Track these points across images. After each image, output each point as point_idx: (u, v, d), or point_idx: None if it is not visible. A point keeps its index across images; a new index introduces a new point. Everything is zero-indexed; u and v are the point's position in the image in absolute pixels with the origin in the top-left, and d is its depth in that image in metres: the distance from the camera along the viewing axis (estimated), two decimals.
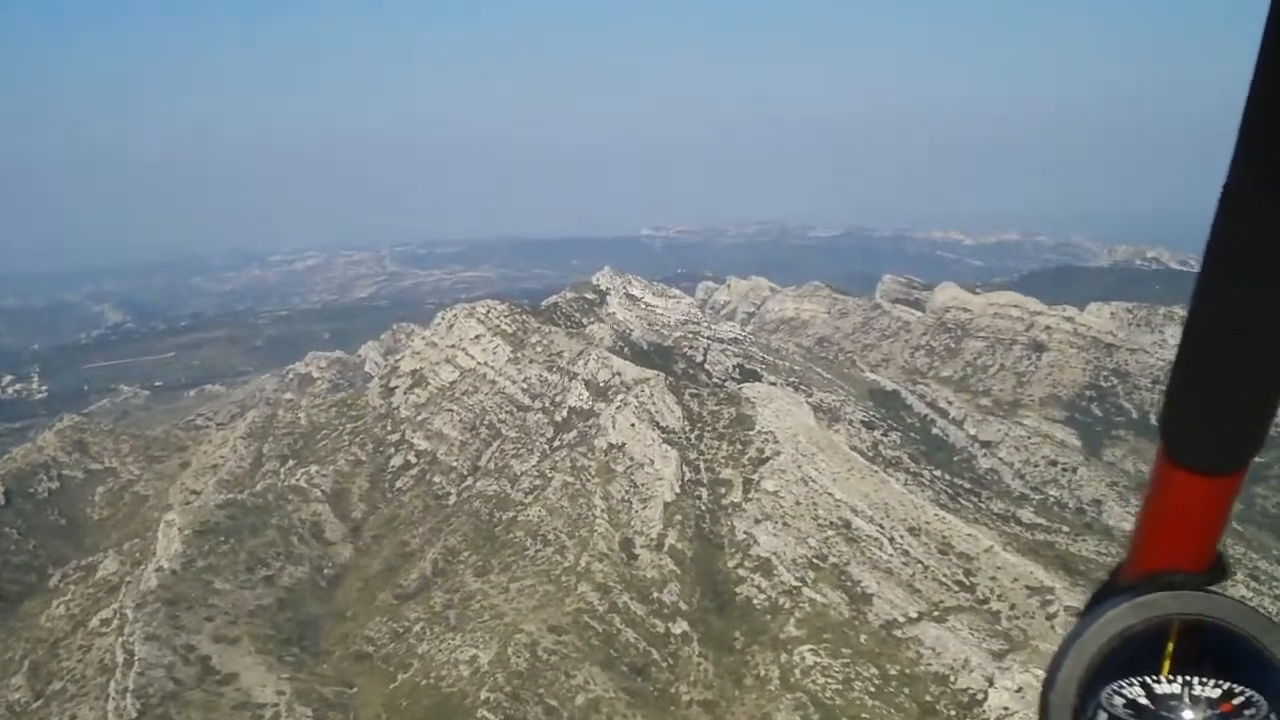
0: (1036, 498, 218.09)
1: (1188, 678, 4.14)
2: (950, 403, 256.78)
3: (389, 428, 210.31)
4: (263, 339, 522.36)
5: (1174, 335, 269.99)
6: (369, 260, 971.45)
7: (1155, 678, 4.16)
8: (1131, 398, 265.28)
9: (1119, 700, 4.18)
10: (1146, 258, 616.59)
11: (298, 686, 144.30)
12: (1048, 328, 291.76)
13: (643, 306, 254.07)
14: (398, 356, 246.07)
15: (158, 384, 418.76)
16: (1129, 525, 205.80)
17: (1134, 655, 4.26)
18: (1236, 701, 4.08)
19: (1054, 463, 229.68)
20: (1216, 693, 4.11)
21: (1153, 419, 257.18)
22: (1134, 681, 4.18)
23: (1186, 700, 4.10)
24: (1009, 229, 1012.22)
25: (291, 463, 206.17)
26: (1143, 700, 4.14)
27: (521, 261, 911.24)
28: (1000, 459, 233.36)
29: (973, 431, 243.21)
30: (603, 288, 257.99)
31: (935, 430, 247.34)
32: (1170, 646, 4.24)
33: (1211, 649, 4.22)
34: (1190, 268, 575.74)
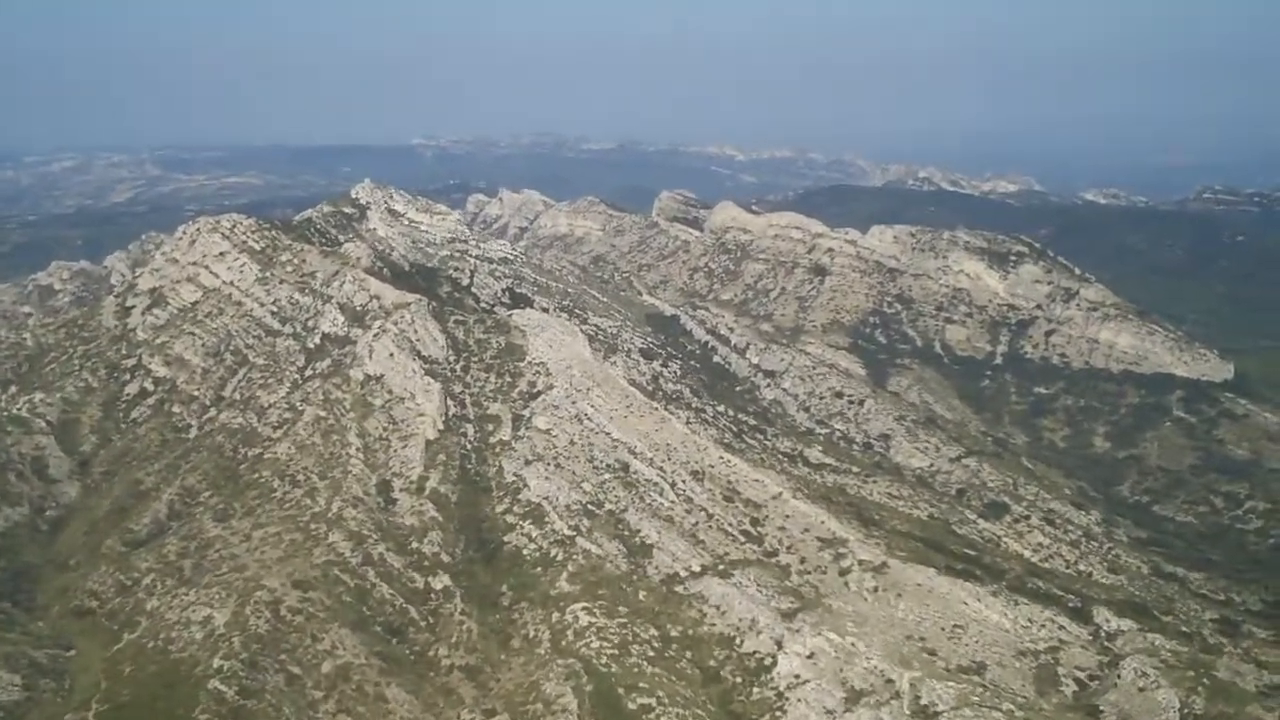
0: (823, 432, 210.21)
1: None
2: (731, 329, 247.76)
3: (124, 351, 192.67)
4: (9, 245, 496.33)
5: (956, 261, 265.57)
6: (129, 163, 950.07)
7: None
8: (915, 325, 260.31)
9: None
10: (919, 177, 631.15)
11: (5, 650, 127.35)
12: (830, 250, 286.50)
13: (406, 223, 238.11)
14: (138, 272, 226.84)
15: None
16: (918, 462, 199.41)
17: None
18: None
19: (840, 394, 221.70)
20: None
21: (938, 347, 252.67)
22: None
23: None
24: (781, 145, 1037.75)
25: (14, 389, 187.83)
26: None
27: (290, 168, 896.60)
28: (785, 390, 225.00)
29: (755, 360, 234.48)
30: (363, 202, 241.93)
31: (717, 359, 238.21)
32: None
33: None
34: (961, 188, 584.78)
